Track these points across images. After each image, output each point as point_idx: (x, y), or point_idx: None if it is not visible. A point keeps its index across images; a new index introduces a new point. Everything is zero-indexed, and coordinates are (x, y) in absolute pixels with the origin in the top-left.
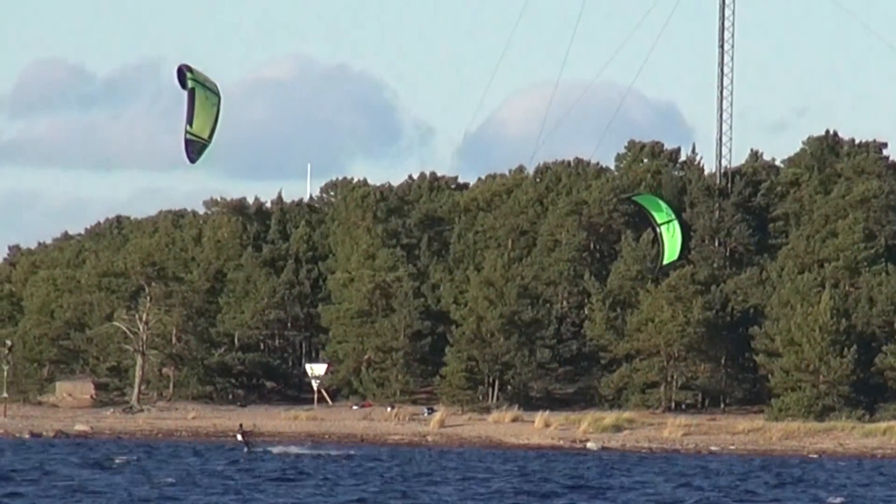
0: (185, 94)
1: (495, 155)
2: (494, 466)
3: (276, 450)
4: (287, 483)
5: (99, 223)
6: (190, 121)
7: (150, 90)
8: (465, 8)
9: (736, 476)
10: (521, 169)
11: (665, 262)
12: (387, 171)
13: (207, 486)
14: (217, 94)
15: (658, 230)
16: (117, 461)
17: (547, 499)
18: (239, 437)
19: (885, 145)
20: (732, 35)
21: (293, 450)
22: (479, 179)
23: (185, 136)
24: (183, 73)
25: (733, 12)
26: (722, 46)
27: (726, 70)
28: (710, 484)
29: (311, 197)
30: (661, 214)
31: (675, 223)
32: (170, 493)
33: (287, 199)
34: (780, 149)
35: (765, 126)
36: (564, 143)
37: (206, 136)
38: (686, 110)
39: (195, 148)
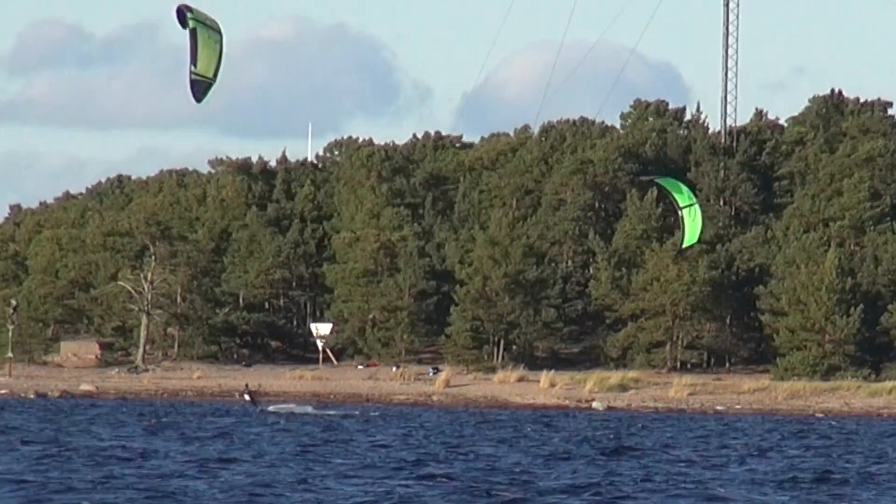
0: (185, 35)
1: (494, 115)
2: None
3: (272, 408)
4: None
5: (100, 183)
6: (194, 61)
7: (149, 50)
8: None
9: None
10: (525, 128)
11: (685, 244)
12: (385, 130)
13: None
14: (219, 32)
15: (680, 213)
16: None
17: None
18: (246, 397)
19: (889, 104)
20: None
21: (293, 408)
22: (483, 139)
23: (191, 76)
24: (183, 13)
25: None
26: (727, 5)
27: (731, 29)
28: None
29: (315, 156)
30: (683, 197)
31: (697, 207)
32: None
33: (291, 158)
34: (784, 108)
35: (768, 85)
36: (567, 104)
37: (210, 75)
38: (687, 71)
39: (201, 87)
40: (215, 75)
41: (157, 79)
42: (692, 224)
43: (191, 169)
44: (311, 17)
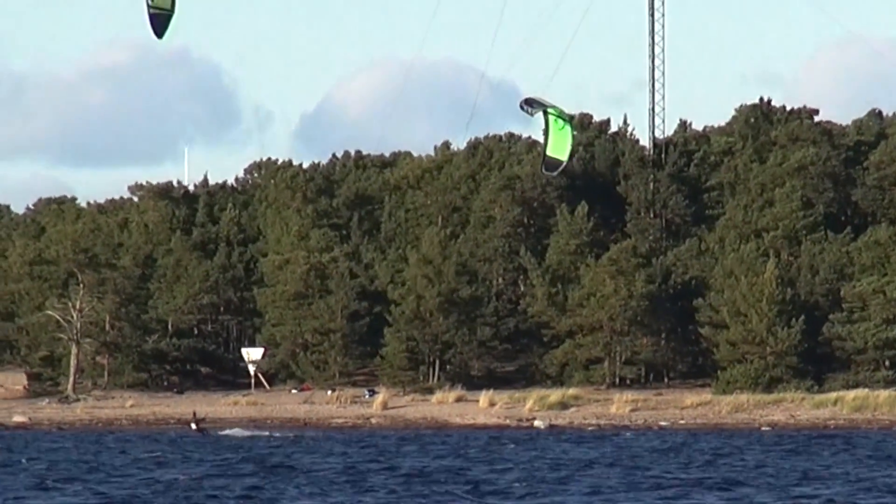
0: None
1: (334, 136)
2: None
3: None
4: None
5: None
6: None
7: None
8: None
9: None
10: (447, 145)
11: (549, 152)
12: (226, 157)
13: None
14: None
15: (546, 118)
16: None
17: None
18: (193, 427)
19: (816, 111)
20: (663, 4)
21: (240, 433)
22: (400, 155)
23: (149, 11)
24: None
25: None
26: (652, 15)
27: (657, 38)
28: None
29: (234, 178)
30: (554, 109)
31: (568, 124)
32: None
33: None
34: (709, 117)
35: (692, 94)
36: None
37: (168, 6)
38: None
39: (160, 21)
40: (173, 6)
41: None
42: (558, 133)
43: (68, 196)
44: (151, 42)
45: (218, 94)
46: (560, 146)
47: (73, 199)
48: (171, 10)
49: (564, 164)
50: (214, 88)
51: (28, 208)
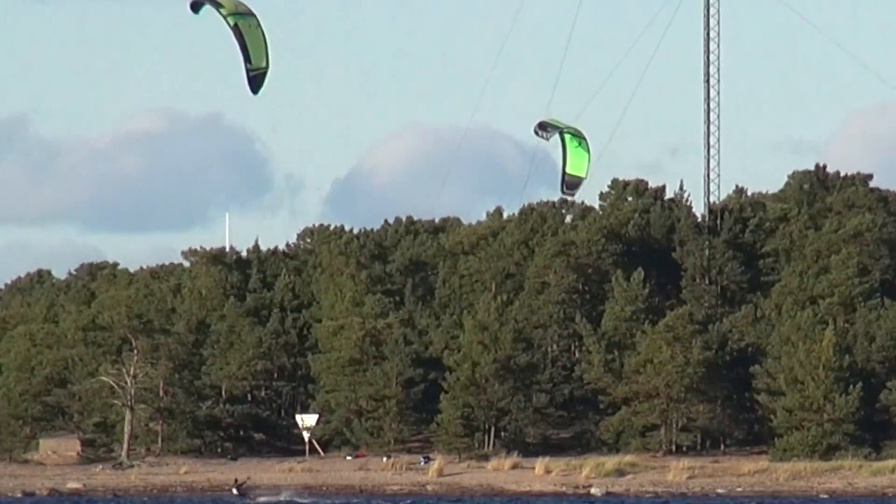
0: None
1: (365, 202)
2: None
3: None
4: None
5: (19, 278)
6: (248, 58)
7: (19, 145)
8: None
9: None
10: (499, 211)
11: (569, 171)
12: (258, 222)
13: None
14: (253, 15)
15: (562, 138)
16: None
17: None
18: (234, 491)
19: (870, 177)
20: (718, 69)
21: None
22: (454, 221)
23: (248, 73)
24: (197, 2)
25: (718, 45)
26: (707, 81)
27: (713, 105)
28: None
29: (286, 244)
30: (569, 129)
31: (583, 141)
32: None
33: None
34: (761, 182)
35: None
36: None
37: (263, 64)
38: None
39: (258, 80)
40: (267, 62)
41: (27, 173)
42: (575, 151)
43: (110, 261)
44: (184, 108)
45: (250, 160)
46: (578, 164)
47: (115, 264)
48: (267, 67)
49: (583, 181)
50: (246, 154)
51: (70, 273)
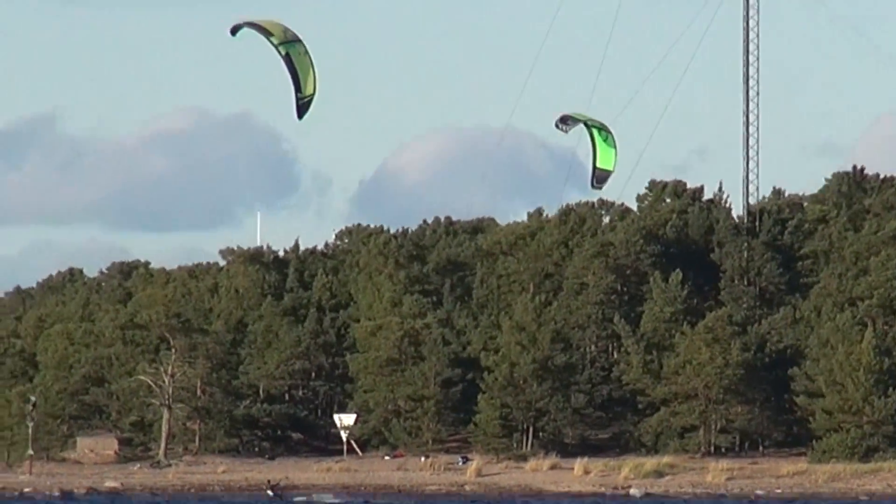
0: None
1: (392, 203)
2: None
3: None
4: None
5: (51, 276)
6: (298, 87)
7: (46, 143)
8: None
9: None
10: (539, 211)
11: (599, 165)
12: (286, 222)
13: None
14: (301, 41)
15: (590, 132)
16: None
17: None
18: (269, 493)
19: None
20: (758, 70)
21: (326, 499)
22: (489, 221)
23: (298, 102)
24: (236, 28)
25: (757, 46)
26: (747, 83)
27: (752, 106)
28: None
29: (324, 244)
30: (594, 122)
31: (609, 135)
32: None
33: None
34: (799, 183)
35: (784, 162)
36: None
37: (311, 92)
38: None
39: (305, 107)
40: (315, 89)
41: (54, 171)
42: (603, 145)
43: (130, 260)
44: (212, 108)
45: (277, 159)
46: (607, 158)
47: (147, 263)
48: (315, 93)
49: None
50: (274, 154)
51: (102, 272)
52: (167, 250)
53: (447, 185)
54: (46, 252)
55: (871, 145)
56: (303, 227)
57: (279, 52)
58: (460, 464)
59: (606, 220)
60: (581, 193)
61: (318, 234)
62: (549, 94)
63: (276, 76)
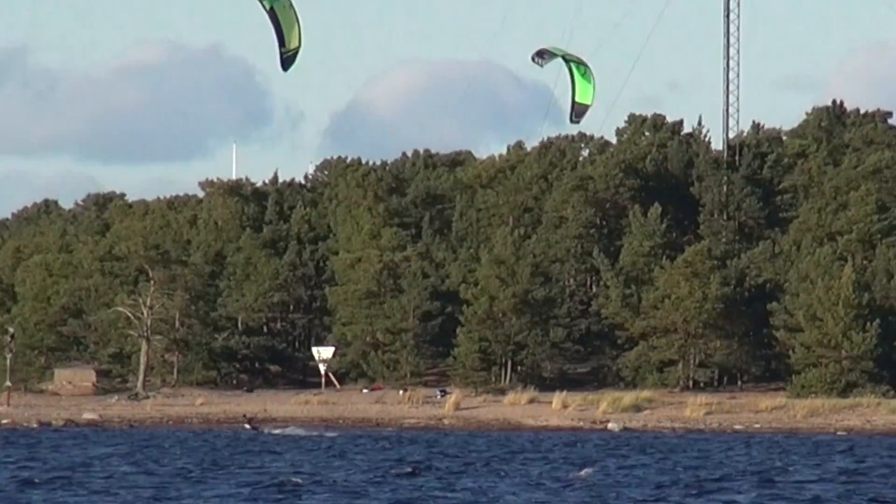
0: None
1: (364, 135)
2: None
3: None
4: None
5: (26, 208)
6: (282, 41)
7: (18, 75)
8: None
9: None
10: (519, 145)
11: (577, 99)
12: (260, 153)
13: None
14: None
15: (568, 66)
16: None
17: None
18: (247, 426)
19: (889, 114)
20: (738, 4)
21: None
22: (466, 154)
23: (282, 56)
24: None
25: None
26: (727, 16)
27: (732, 40)
28: None
29: (304, 176)
30: (572, 56)
31: (587, 69)
32: None
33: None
34: (779, 119)
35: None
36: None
37: (296, 45)
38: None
39: (290, 61)
40: (300, 42)
41: (26, 103)
42: (581, 79)
43: (106, 192)
44: (183, 40)
45: (250, 91)
46: (585, 92)
47: (122, 195)
48: (299, 47)
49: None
50: (246, 86)
51: (77, 204)
52: (140, 182)
53: (420, 119)
54: (19, 183)
55: (847, 78)
56: (277, 159)
57: (263, 6)
58: (438, 397)
59: (585, 153)
60: (558, 128)
61: (293, 165)
62: (526, 28)
63: (249, 9)
